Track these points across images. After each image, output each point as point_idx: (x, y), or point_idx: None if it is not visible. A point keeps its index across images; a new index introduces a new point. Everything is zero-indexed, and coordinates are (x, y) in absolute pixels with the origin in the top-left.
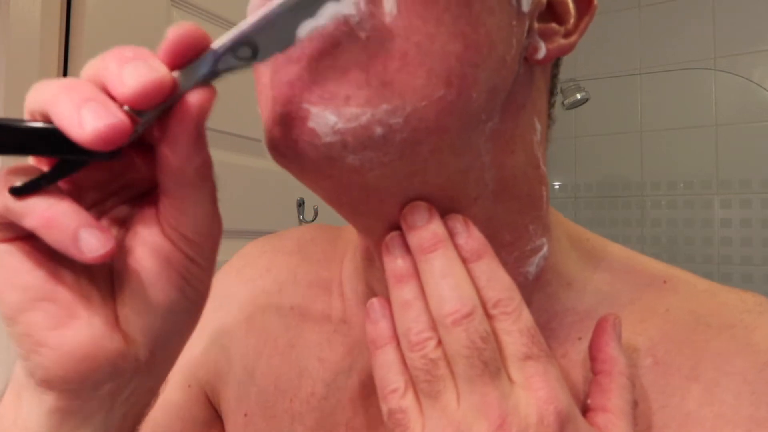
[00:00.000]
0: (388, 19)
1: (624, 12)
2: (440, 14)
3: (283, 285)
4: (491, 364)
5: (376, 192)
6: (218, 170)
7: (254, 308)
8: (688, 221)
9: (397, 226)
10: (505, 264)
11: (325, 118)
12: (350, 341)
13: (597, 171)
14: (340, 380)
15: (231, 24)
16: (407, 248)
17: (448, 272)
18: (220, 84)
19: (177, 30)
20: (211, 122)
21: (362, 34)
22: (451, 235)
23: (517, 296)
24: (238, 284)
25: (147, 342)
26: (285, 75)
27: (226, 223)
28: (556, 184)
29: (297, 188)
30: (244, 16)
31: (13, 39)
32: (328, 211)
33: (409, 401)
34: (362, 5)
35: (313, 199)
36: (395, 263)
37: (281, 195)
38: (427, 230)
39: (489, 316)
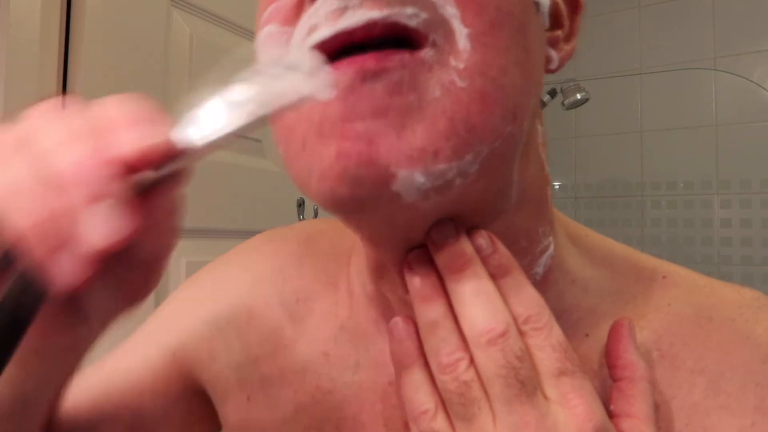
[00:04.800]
0: (464, 57)
1: (624, 12)
2: (507, 43)
3: (287, 275)
4: (528, 383)
5: (422, 221)
6: (218, 170)
7: (256, 296)
8: (688, 221)
9: (418, 245)
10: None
11: (414, 181)
12: (357, 338)
13: (597, 171)
14: (347, 376)
15: (231, 24)
16: (431, 266)
17: (479, 291)
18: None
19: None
20: None
21: (444, 78)
22: (477, 251)
23: (546, 311)
24: (239, 270)
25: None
26: (363, 127)
27: (227, 223)
28: (556, 184)
29: (297, 188)
30: (243, 16)
31: (13, 39)
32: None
33: (440, 423)
34: (439, 42)
35: None
36: (420, 283)
37: (281, 195)
38: (455, 249)
39: (521, 333)
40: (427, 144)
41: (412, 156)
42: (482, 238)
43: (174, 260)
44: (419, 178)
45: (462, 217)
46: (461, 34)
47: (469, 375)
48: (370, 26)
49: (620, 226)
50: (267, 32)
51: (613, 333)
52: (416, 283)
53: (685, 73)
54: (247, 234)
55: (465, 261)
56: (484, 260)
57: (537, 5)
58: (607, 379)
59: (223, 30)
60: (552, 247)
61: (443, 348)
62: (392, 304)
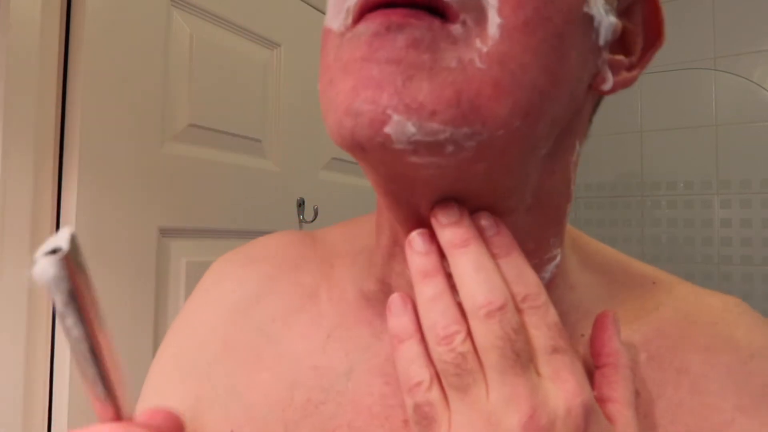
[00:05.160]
0: (490, 43)
1: None
2: (538, 44)
3: (261, 296)
4: (522, 355)
5: (423, 186)
6: (218, 170)
7: (231, 326)
8: (688, 221)
9: (425, 223)
10: None
11: (405, 128)
12: (348, 345)
13: (597, 171)
14: (340, 384)
15: (231, 24)
16: (432, 245)
17: (480, 266)
18: (221, 84)
19: None
20: (211, 122)
21: (465, 55)
22: (480, 231)
23: (543, 292)
24: (208, 305)
25: None
26: (377, 70)
27: (227, 223)
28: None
29: (297, 188)
30: (243, 16)
31: (13, 39)
32: (328, 212)
33: (435, 394)
34: (469, 23)
35: (313, 199)
36: (421, 259)
37: (281, 195)
38: (459, 227)
39: (518, 310)
40: (428, 102)
41: (410, 106)
42: (486, 219)
43: (174, 260)
44: (410, 128)
45: (467, 200)
46: (493, 23)
47: (466, 347)
48: None
49: (620, 226)
50: None
51: (598, 323)
52: (416, 260)
53: (685, 73)
54: (246, 234)
55: (468, 237)
56: (487, 240)
57: (591, 19)
58: (594, 369)
59: (223, 30)
60: (559, 258)
61: (441, 321)
62: (397, 290)
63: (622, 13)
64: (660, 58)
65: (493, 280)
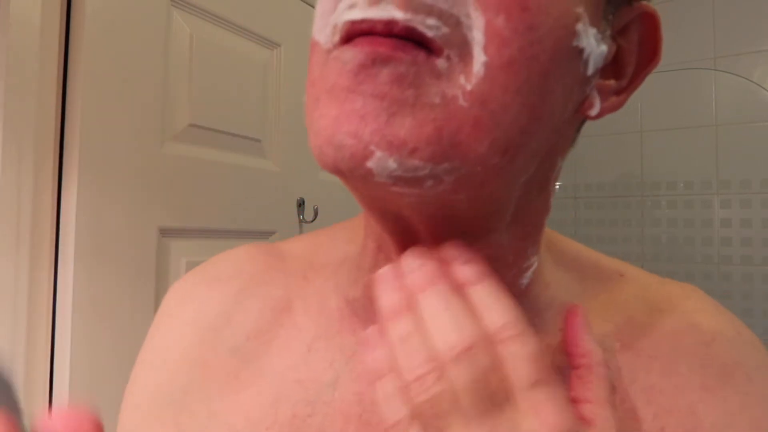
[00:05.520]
0: (474, 81)
1: None
2: (520, 85)
3: (230, 314)
4: (498, 395)
5: (407, 208)
6: (218, 170)
7: (203, 348)
8: (688, 221)
9: (413, 233)
10: (505, 279)
11: (386, 163)
12: (332, 355)
13: (597, 171)
14: (326, 394)
15: (231, 24)
16: (401, 282)
17: (446, 306)
18: (221, 82)
19: None
20: (211, 122)
21: (448, 91)
22: (448, 263)
23: (519, 319)
24: (174, 330)
25: None
26: (361, 104)
27: (226, 223)
28: (556, 185)
29: (297, 188)
30: (243, 16)
31: (13, 39)
32: (327, 212)
33: None
34: (453, 58)
35: (313, 199)
36: (388, 297)
37: (281, 195)
38: (421, 270)
39: (494, 342)
40: (409, 139)
41: (392, 143)
42: (454, 249)
43: (174, 260)
44: (392, 164)
45: (452, 223)
46: (478, 60)
47: (438, 389)
48: (391, 23)
49: (620, 226)
50: None
51: (568, 323)
52: (384, 298)
53: (685, 73)
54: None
55: (432, 278)
56: (454, 272)
57: (581, 52)
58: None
59: (223, 30)
60: (536, 264)
61: (412, 361)
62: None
63: (619, 32)
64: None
65: (459, 320)
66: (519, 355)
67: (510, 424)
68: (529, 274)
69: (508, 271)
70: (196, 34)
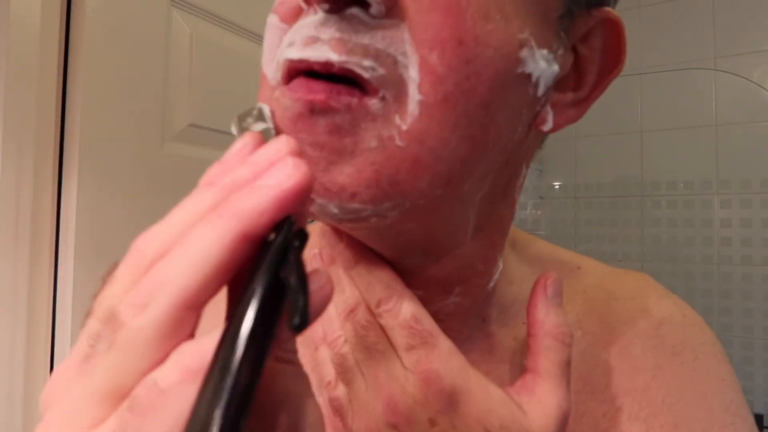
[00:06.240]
0: (409, 120)
1: (624, 12)
2: (458, 119)
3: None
4: (374, 347)
5: (360, 237)
6: None
7: None
8: (688, 221)
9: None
10: (478, 287)
11: (327, 208)
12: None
13: (597, 171)
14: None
15: (231, 24)
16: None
17: (337, 282)
18: (221, 82)
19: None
20: (211, 122)
21: (384, 132)
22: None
23: (395, 293)
24: None
25: None
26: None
27: None
28: (556, 184)
29: None
30: (243, 16)
31: (13, 39)
32: None
33: (340, 391)
34: (388, 98)
35: None
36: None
37: None
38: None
39: (375, 315)
40: (347, 184)
41: (331, 190)
42: (330, 236)
43: None
44: (333, 209)
45: (407, 247)
46: (413, 99)
47: (345, 348)
48: (327, 64)
49: (620, 226)
50: (270, 20)
51: (533, 291)
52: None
53: (685, 73)
54: None
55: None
56: (336, 257)
57: (528, 77)
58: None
59: (223, 30)
60: (501, 264)
61: (328, 328)
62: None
63: (580, 40)
64: (660, 58)
65: (346, 291)
66: (393, 326)
67: (388, 375)
68: (496, 275)
69: (481, 279)
70: (196, 34)
